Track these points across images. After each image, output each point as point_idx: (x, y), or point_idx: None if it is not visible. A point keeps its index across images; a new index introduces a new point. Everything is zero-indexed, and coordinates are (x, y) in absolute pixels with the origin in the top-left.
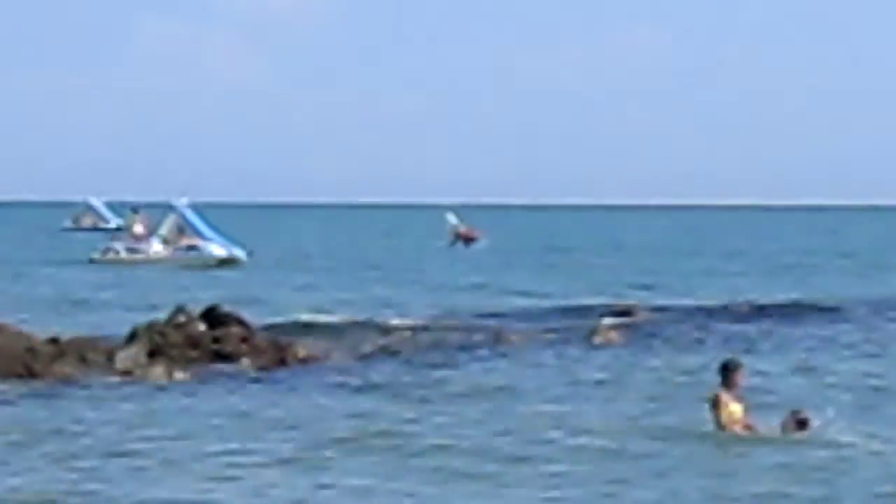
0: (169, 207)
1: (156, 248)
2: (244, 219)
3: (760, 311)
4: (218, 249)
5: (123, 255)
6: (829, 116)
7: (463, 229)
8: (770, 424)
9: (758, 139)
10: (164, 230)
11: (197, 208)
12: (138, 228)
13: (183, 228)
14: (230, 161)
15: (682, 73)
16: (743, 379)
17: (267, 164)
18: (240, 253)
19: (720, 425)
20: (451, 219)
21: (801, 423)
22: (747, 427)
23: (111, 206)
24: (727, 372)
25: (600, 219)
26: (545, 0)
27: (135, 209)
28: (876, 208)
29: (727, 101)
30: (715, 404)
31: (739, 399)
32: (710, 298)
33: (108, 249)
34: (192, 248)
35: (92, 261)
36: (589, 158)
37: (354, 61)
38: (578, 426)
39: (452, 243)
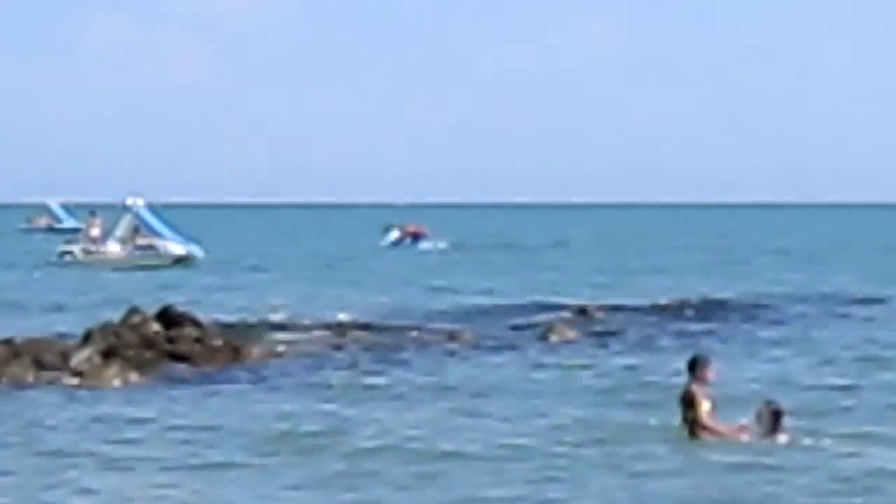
0: (124, 208)
1: (112, 248)
2: (193, 219)
3: (707, 309)
4: (174, 247)
5: (80, 256)
6: (789, 116)
7: (411, 227)
8: (742, 417)
9: (717, 137)
10: (119, 231)
11: (153, 208)
12: (94, 231)
13: (138, 228)
14: (180, 160)
15: (636, 66)
16: (712, 374)
17: (216, 163)
18: (196, 250)
19: (695, 421)
20: (392, 232)
21: (776, 414)
22: (710, 429)
23: (67, 207)
24: (697, 367)
25: (554, 216)
26: None
27: (92, 211)
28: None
29: (684, 92)
30: (689, 400)
31: (708, 396)
32: (661, 296)
33: (64, 252)
34: (148, 247)
35: (49, 263)
36: (547, 155)
37: (305, 57)
38: (528, 425)
39: (397, 242)
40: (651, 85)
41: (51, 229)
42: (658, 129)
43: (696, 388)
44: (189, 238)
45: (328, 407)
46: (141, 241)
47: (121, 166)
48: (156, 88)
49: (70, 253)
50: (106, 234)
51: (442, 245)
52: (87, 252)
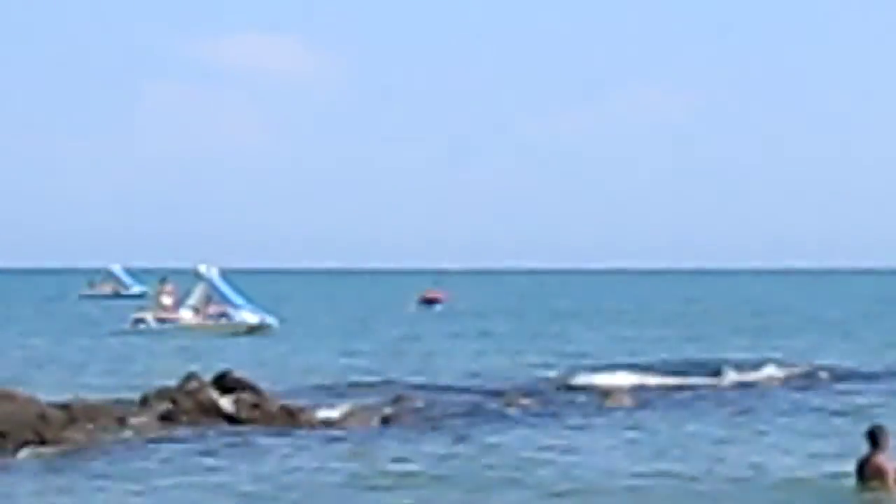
0: (196, 275)
1: (185, 315)
2: (257, 285)
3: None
4: (248, 316)
5: (154, 325)
6: (829, 181)
7: (431, 292)
8: None
9: (759, 204)
10: (193, 299)
11: (225, 276)
12: (166, 300)
13: (211, 297)
14: (240, 226)
15: (684, 135)
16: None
17: (274, 229)
18: (271, 320)
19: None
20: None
21: None
22: None
23: (130, 272)
24: (880, 437)
25: (590, 283)
26: (547, 61)
27: (163, 278)
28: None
29: (728, 162)
30: (875, 472)
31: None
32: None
33: (138, 321)
34: (222, 315)
35: (123, 331)
36: (592, 221)
37: (358, 123)
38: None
39: (419, 307)
40: (702, 151)
41: (116, 295)
42: (709, 196)
43: (883, 459)
44: (261, 307)
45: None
46: (214, 309)
47: (177, 231)
48: (210, 153)
49: (143, 321)
50: (178, 302)
51: (460, 308)
52: (159, 319)
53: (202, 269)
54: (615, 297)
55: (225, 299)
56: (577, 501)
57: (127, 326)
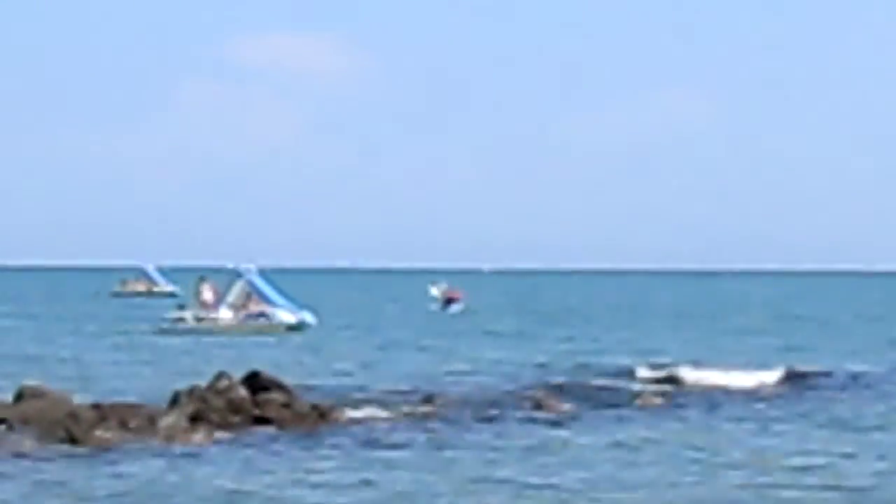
0: (237, 274)
1: (224, 314)
2: (288, 284)
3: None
4: (287, 315)
5: (192, 322)
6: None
7: (450, 292)
8: None
9: (793, 206)
10: (231, 297)
11: (264, 274)
12: (207, 296)
13: (250, 295)
14: (274, 225)
15: (716, 137)
16: None
17: (308, 228)
18: (309, 317)
19: None
20: (435, 290)
21: None
22: None
23: (162, 271)
24: None
25: (626, 283)
26: (586, 62)
27: (202, 276)
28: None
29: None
30: None
31: None
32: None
33: (177, 318)
34: (260, 314)
35: (162, 330)
36: (625, 222)
37: (394, 124)
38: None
39: (442, 307)
40: (737, 154)
41: (149, 293)
42: (737, 197)
43: None
44: (301, 305)
45: (394, 473)
46: (253, 307)
47: (210, 230)
48: (244, 151)
49: (182, 319)
50: (219, 299)
51: (463, 307)
52: (198, 318)
53: (242, 267)
54: (630, 297)
55: (264, 298)
56: None
57: (166, 325)
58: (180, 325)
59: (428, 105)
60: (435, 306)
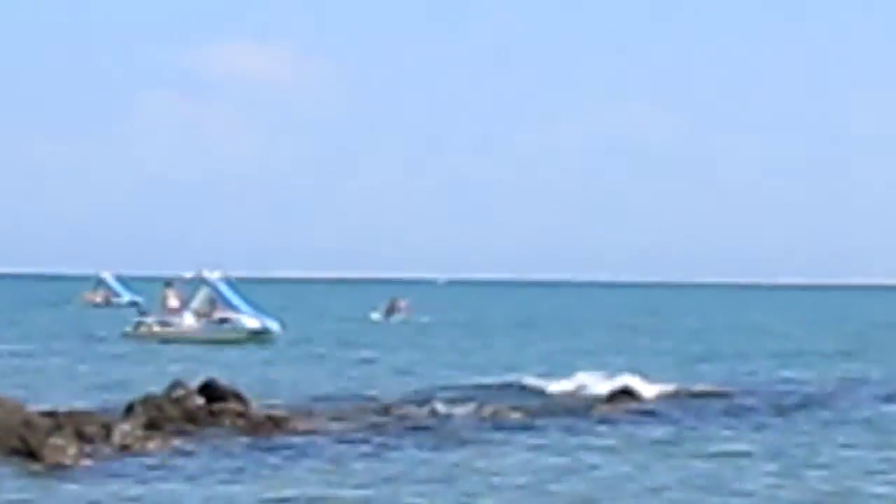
0: (201, 281)
1: (188, 321)
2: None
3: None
4: (251, 321)
5: (156, 328)
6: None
7: (400, 302)
8: None
9: (751, 219)
10: (196, 303)
11: (230, 282)
12: (173, 302)
13: (215, 302)
14: (232, 234)
15: (679, 153)
16: None
17: (268, 239)
18: (274, 325)
19: None
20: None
21: None
22: None
23: (121, 280)
24: None
25: (583, 294)
26: (544, 75)
27: (167, 282)
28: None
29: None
30: None
31: None
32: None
33: (140, 323)
34: (224, 321)
35: (125, 335)
36: (583, 233)
37: (349, 130)
38: None
39: (385, 317)
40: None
41: (107, 304)
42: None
43: None
44: (268, 314)
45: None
46: (218, 314)
47: (170, 239)
48: (204, 163)
49: (145, 324)
50: (184, 305)
51: (425, 319)
52: (162, 324)
53: (206, 274)
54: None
55: (229, 305)
56: None
57: (128, 329)
58: (143, 331)
59: (385, 113)
60: (377, 315)
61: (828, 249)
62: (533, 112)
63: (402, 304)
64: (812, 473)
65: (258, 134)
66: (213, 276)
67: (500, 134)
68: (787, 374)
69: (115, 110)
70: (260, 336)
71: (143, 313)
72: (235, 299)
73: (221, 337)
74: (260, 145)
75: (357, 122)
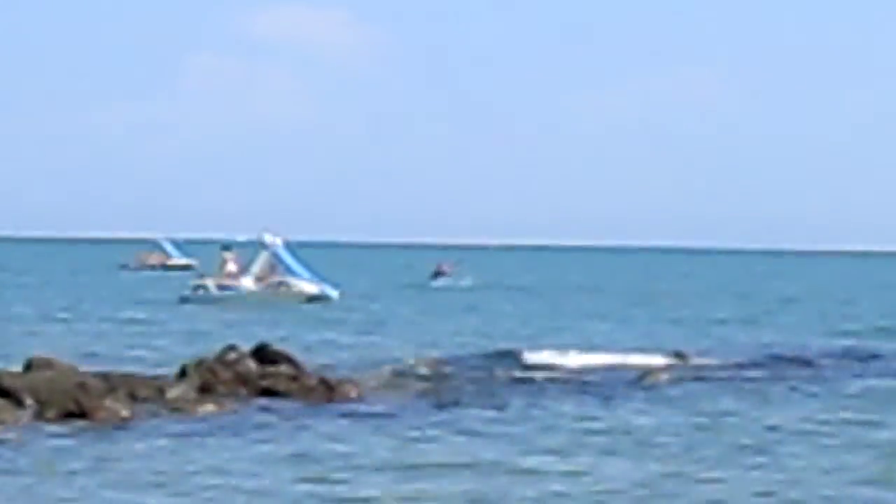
0: (261, 245)
1: (247, 284)
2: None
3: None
4: (309, 286)
5: (215, 292)
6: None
7: (441, 265)
8: None
9: (799, 184)
10: (256, 268)
11: (290, 247)
12: (231, 266)
13: (275, 267)
14: (281, 198)
15: (727, 116)
16: None
17: (322, 203)
18: (332, 291)
19: None
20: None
21: None
22: None
23: (176, 243)
24: None
25: (630, 260)
26: (595, 38)
27: (226, 246)
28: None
29: (770, 143)
30: None
31: None
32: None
33: (198, 286)
34: (282, 284)
35: (183, 299)
36: (629, 199)
37: (405, 101)
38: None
39: (433, 277)
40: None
41: (163, 266)
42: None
43: None
44: (325, 279)
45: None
46: (277, 278)
47: (221, 202)
48: (258, 126)
49: (204, 287)
50: (242, 270)
51: (465, 282)
52: (221, 287)
53: (267, 238)
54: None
55: (288, 270)
56: None
57: (187, 292)
58: (201, 294)
59: (436, 81)
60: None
61: None
62: (583, 78)
63: (446, 267)
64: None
65: (312, 98)
66: (273, 240)
67: (552, 100)
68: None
69: (169, 74)
70: (318, 300)
71: (200, 276)
72: (295, 264)
73: (280, 301)
74: (313, 109)
75: (411, 87)
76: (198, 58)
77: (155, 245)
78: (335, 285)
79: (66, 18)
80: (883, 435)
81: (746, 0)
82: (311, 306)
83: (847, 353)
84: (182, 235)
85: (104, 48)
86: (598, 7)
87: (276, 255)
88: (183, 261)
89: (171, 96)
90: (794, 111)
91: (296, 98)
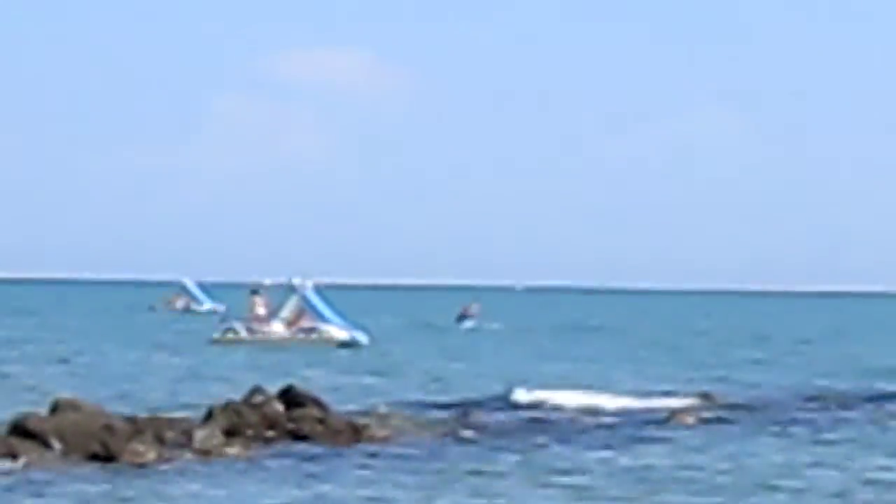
0: (290, 289)
1: (276, 328)
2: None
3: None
4: (339, 332)
5: (244, 335)
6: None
7: (466, 308)
8: None
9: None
10: (285, 312)
11: (320, 291)
12: (260, 309)
13: (304, 310)
14: (307, 241)
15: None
16: None
17: (341, 245)
18: (362, 337)
19: None
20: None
21: None
22: None
23: (202, 286)
24: None
25: (666, 303)
26: (618, 79)
27: (254, 290)
28: None
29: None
30: None
31: None
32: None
33: (228, 329)
34: (312, 330)
35: (214, 341)
36: (667, 242)
37: (428, 138)
38: None
39: (458, 320)
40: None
41: (187, 311)
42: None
43: None
44: (354, 324)
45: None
46: (306, 323)
47: (248, 245)
48: (279, 168)
49: (233, 330)
50: (271, 314)
51: (495, 326)
52: (251, 331)
53: (296, 282)
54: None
55: (318, 314)
56: None
57: (217, 335)
58: (231, 337)
59: (464, 121)
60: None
61: None
62: (605, 120)
63: (473, 309)
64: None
65: (334, 139)
66: (303, 283)
67: (574, 145)
68: None
69: (194, 116)
70: (348, 346)
71: (224, 320)
72: (324, 308)
73: (309, 346)
74: (335, 151)
75: (432, 129)
76: (222, 100)
77: (181, 288)
78: (363, 329)
79: (90, 61)
80: None
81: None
82: (341, 351)
83: (876, 394)
84: (209, 279)
85: (131, 88)
86: (624, 49)
87: (305, 299)
88: (208, 305)
89: (195, 139)
90: (814, 155)
91: (320, 139)
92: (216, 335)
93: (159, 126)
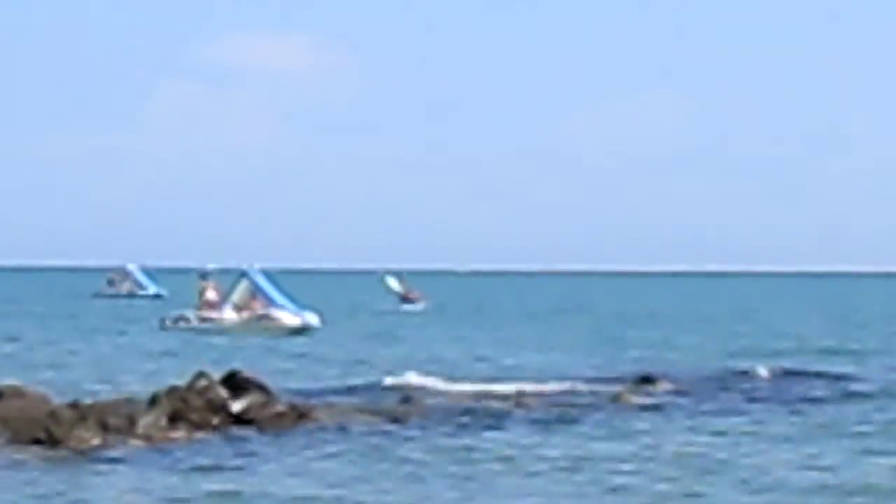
0: (241, 274)
1: (228, 315)
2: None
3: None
4: (290, 318)
5: (194, 322)
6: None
7: (406, 292)
8: None
9: (772, 205)
10: (236, 297)
11: (269, 275)
12: (211, 294)
13: (255, 295)
14: (251, 226)
15: (694, 139)
16: None
17: (286, 229)
18: (313, 319)
19: None
20: (393, 284)
21: None
22: None
23: (147, 272)
24: None
25: (597, 284)
26: (556, 66)
27: (203, 274)
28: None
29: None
30: None
31: None
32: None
33: (179, 316)
34: (263, 316)
35: (162, 327)
36: (596, 225)
37: (368, 122)
38: None
39: (400, 303)
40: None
41: (131, 295)
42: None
43: None
44: (305, 306)
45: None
46: (258, 308)
47: (188, 230)
48: (220, 152)
49: (185, 318)
50: (223, 299)
51: (425, 308)
52: (202, 318)
53: (245, 266)
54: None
55: (268, 299)
56: None
57: (168, 322)
58: (182, 324)
59: (403, 106)
60: (392, 302)
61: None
62: (548, 102)
63: (416, 294)
64: None
65: (276, 124)
66: (252, 268)
67: (516, 125)
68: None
69: (135, 101)
70: (300, 333)
71: (174, 309)
72: (275, 293)
73: (261, 333)
74: (278, 135)
75: (374, 113)
76: (166, 84)
77: (125, 273)
78: (315, 310)
79: (31, 47)
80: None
81: (714, 24)
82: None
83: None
84: (151, 263)
85: (71, 74)
86: (576, 36)
87: (255, 283)
88: (153, 289)
89: (139, 122)
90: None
91: (260, 124)
92: (168, 322)
93: (103, 112)
